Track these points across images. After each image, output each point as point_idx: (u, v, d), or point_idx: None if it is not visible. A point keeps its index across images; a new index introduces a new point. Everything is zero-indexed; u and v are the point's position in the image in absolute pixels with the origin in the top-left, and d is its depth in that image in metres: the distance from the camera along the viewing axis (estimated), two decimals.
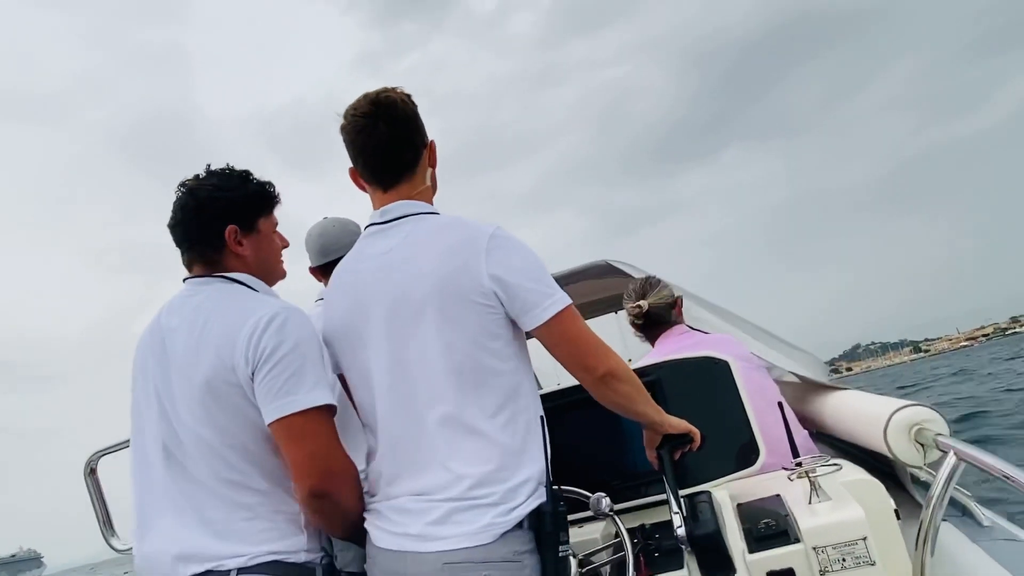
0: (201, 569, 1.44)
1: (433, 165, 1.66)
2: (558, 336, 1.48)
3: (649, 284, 2.57)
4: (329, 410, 1.50)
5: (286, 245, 1.77)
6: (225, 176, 1.66)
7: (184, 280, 1.66)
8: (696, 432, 1.69)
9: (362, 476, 1.60)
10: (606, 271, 3.25)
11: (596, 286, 3.58)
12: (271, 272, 1.72)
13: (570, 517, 2.02)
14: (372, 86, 1.61)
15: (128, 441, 1.63)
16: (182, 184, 1.65)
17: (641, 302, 2.49)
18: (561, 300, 1.48)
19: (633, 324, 2.54)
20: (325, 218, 2.37)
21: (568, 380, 2.11)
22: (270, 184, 1.71)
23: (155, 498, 1.53)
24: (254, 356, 1.46)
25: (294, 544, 1.50)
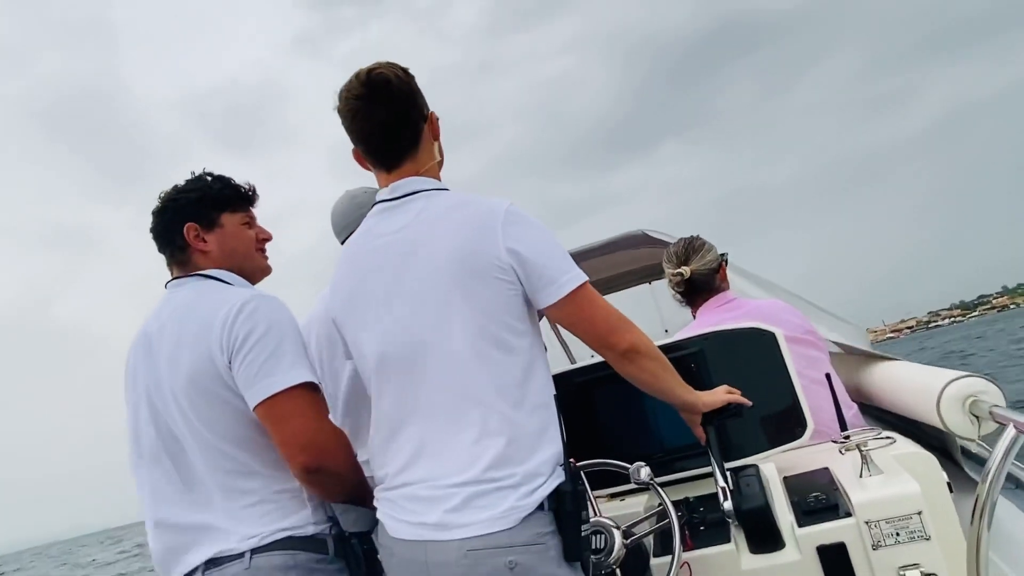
0: (214, 555, 1.48)
1: (436, 137, 1.60)
2: (576, 314, 1.45)
3: (692, 248, 2.37)
4: (310, 387, 1.52)
5: (268, 239, 1.81)
6: (192, 180, 1.74)
7: (166, 284, 1.72)
8: (736, 396, 1.67)
9: (366, 463, 1.58)
10: (641, 241, 3.15)
11: (631, 256, 3.48)
12: (244, 266, 1.75)
13: (612, 490, 1.98)
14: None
15: None
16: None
17: (683, 268, 2.32)
18: (578, 276, 1.45)
19: (674, 290, 2.40)
20: (346, 191, 2.23)
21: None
22: (245, 185, 1.77)
23: (160, 496, 1.57)
24: (228, 344, 1.50)
25: (301, 519, 1.53)
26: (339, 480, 1.54)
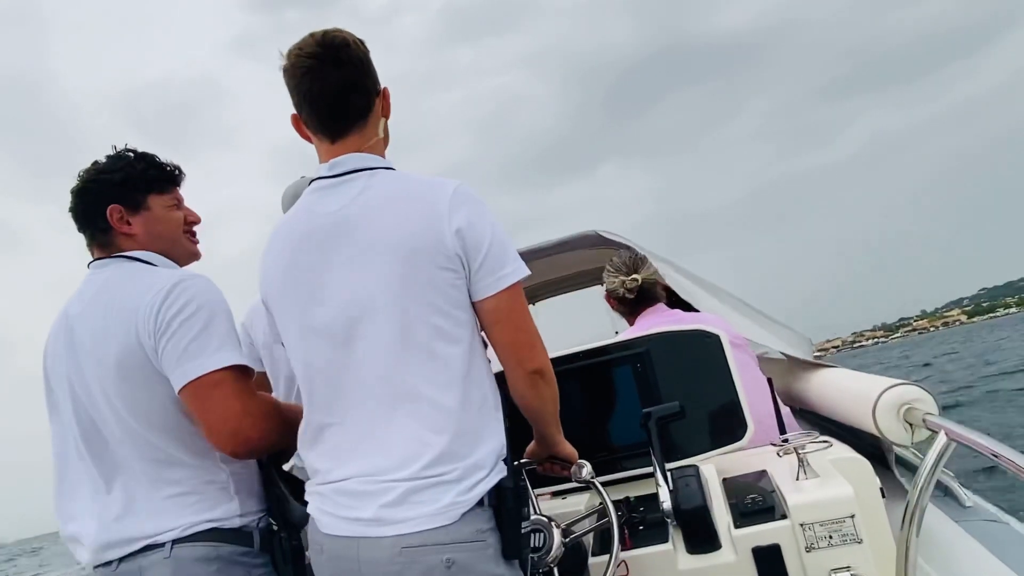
0: (138, 547, 1.43)
1: (386, 115, 1.50)
2: (508, 311, 1.37)
3: (640, 260, 2.51)
4: (239, 370, 1.46)
5: (196, 221, 1.73)
6: (114, 159, 1.64)
7: (88, 265, 1.64)
8: (575, 457, 1.66)
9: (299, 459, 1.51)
10: (596, 242, 3.11)
11: (584, 257, 3.45)
12: (172, 249, 1.67)
13: (554, 488, 1.96)
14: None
15: None
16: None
17: (636, 275, 2.42)
18: (521, 269, 1.38)
19: (622, 298, 2.44)
20: (302, 177, 2.17)
21: (558, 348, 2.03)
22: (170, 165, 1.68)
23: (79, 485, 1.52)
24: (155, 326, 1.44)
25: (227, 511, 1.49)
26: (270, 448, 1.53)
